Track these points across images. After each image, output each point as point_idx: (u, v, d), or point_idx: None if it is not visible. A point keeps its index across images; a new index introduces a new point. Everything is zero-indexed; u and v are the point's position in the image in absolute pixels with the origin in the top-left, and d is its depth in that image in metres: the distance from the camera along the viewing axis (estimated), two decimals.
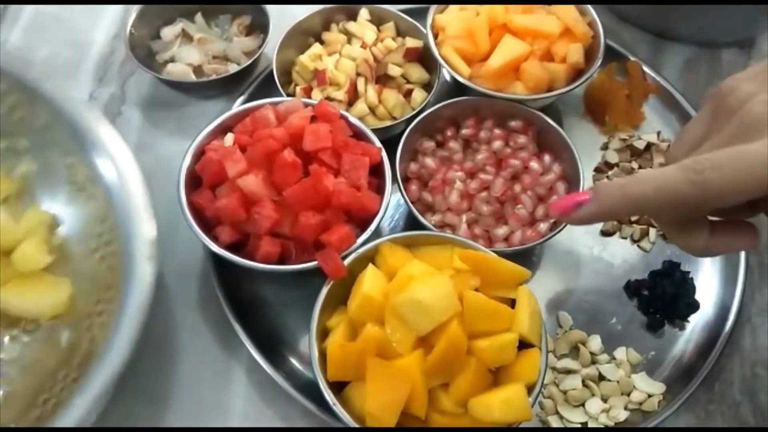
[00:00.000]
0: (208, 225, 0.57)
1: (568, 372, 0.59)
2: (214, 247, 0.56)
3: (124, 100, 0.73)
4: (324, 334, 0.53)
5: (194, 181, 0.59)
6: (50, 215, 0.59)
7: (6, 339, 0.55)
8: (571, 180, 0.64)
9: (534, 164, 0.64)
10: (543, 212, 0.63)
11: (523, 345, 0.51)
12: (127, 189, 0.54)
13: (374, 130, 0.62)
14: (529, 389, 0.50)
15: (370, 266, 0.53)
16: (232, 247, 0.56)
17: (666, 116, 0.74)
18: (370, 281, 0.51)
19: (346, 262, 0.54)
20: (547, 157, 0.66)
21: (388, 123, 0.67)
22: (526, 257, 0.65)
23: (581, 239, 0.67)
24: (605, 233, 0.67)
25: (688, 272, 0.64)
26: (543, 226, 0.62)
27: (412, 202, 0.62)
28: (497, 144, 0.65)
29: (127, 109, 0.73)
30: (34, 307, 0.55)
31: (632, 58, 0.76)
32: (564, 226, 0.60)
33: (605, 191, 0.44)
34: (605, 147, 0.72)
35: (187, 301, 0.62)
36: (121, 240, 0.52)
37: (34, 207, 0.59)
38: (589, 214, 0.45)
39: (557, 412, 0.57)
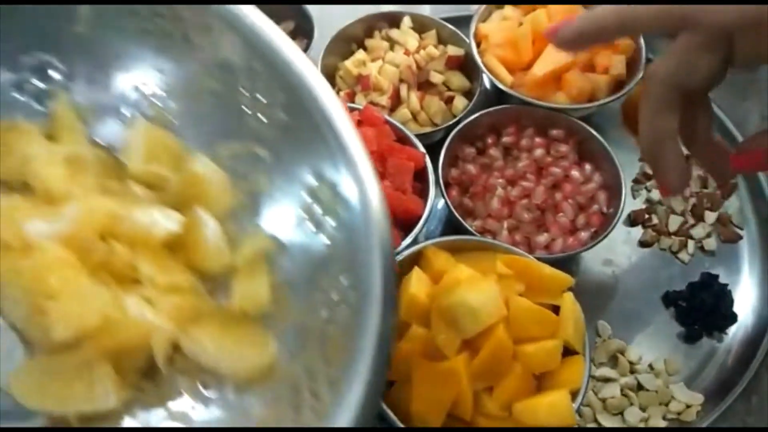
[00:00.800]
0: None
1: (607, 380, 0.59)
2: None
3: None
4: None
5: None
6: (276, 244, 0.42)
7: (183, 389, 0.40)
8: (612, 189, 0.64)
9: (575, 173, 0.65)
10: (584, 221, 0.63)
11: (567, 352, 0.52)
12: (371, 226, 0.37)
13: (416, 136, 0.63)
14: (573, 395, 0.50)
15: (416, 269, 0.54)
16: None
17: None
18: (416, 283, 0.52)
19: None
20: (588, 167, 0.66)
21: (429, 129, 0.68)
22: (566, 266, 0.65)
23: (620, 249, 0.67)
24: (644, 244, 0.68)
25: (726, 284, 0.64)
26: (584, 235, 0.62)
27: (454, 208, 0.63)
28: (538, 152, 0.66)
29: None
30: (231, 362, 0.39)
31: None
32: (605, 236, 0.61)
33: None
34: (643, 158, 0.73)
35: None
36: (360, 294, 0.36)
37: (257, 230, 0.43)
38: (575, 28, 0.42)
39: (596, 420, 0.58)
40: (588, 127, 0.66)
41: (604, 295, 0.65)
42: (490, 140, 0.68)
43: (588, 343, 0.53)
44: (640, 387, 0.59)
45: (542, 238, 0.62)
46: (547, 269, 0.54)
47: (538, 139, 0.67)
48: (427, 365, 0.49)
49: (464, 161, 0.67)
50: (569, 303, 0.53)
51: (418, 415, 0.48)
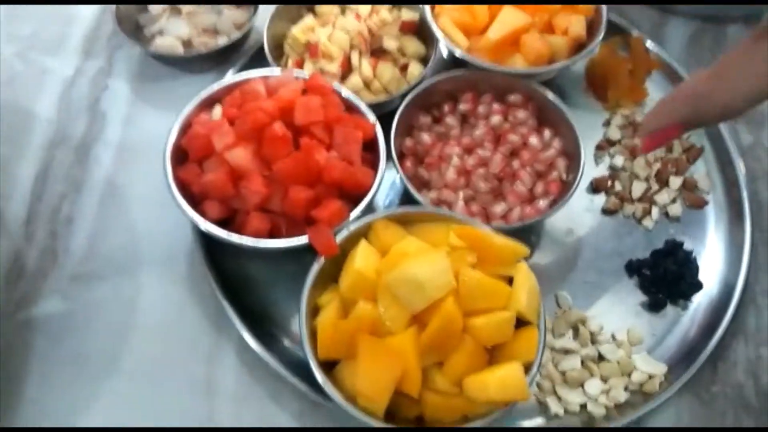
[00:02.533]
0: (196, 200, 0.55)
1: (567, 352, 0.57)
2: (202, 224, 0.54)
3: (111, 74, 0.71)
4: (315, 311, 0.51)
5: (181, 156, 0.57)
6: None
7: None
8: (572, 156, 0.62)
9: (533, 140, 0.62)
10: (542, 189, 0.61)
11: (521, 323, 0.50)
12: None
13: (369, 105, 0.60)
14: (527, 368, 0.48)
15: (363, 242, 0.51)
16: (220, 223, 0.55)
17: (669, 92, 0.72)
18: (362, 258, 0.50)
19: (338, 238, 0.53)
20: (547, 133, 0.64)
21: (383, 98, 0.65)
22: (525, 235, 0.62)
23: (582, 218, 0.65)
24: (606, 211, 0.65)
25: (691, 252, 0.62)
26: (542, 203, 0.60)
27: (408, 179, 0.60)
28: (495, 119, 0.63)
29: (114, 83, 0.70)
30: None
31: (635, 33, 0.74)
32: (563, 204, 0.58)
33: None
34: (607, 123, 0.70)
35: (175, 280, 0.60)
36: None
37: None
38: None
39: (555, 393, 0.56)
40: (547, 92, 0.63)
41: (566, 266, 0.62)
42: (446, 108, 0.65)
43: (544, 314, 0.50)
44: (601, 358, 0.57)
45: (499, 207, 0.60)
46: (501, 239, 0.52)
47: (495, 106, 0.64)
48: (373, 342, 0.47)
49: (419, 130, 0.64)
50: (522, 273, 0.50)
51: (363, 393, 0.46)
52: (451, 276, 0.47)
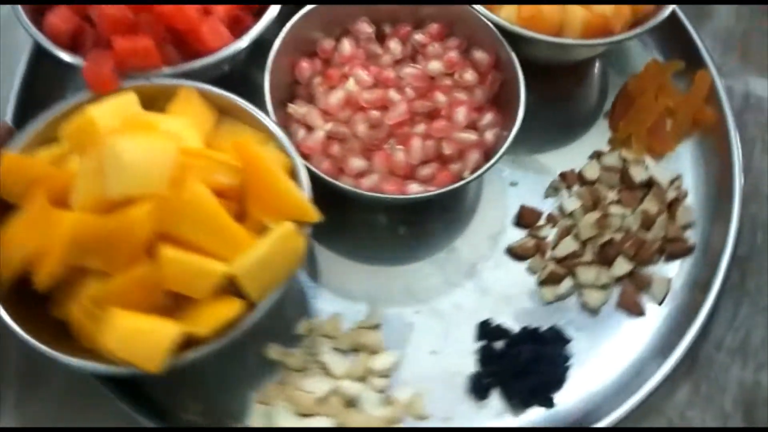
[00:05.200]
0: None
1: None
2: None
3: None
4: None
5: None
6: None
7: None
8: (490, 155, 0.45)
9: (460, 115, 0.46)
10: (429, 173, 0.45)
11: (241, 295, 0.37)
12: None
13: None
14: (194, 343, 0.35)
15: (131, 94, 0.40)
16: None
17: (703, 165, 0.51)
18: (112, 107, 0.38)
19: (133, 82, 0.41)
20: (488, 117, 0.47)
21: None
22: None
23: (478, 240, 0.48)
24: (512, 252, 0.48)
25: (568, 360, 0.44)
26: (414, 187, 0.44)
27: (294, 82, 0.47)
28: (436, 66, 0.47)
29: None
30: None
31: (710, 68, 0.53)
32: (437, 193, 0.43)
33: None
34: (596, 156, 0.51)
35: None
36: None
37: None
38: None
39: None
40: (517, 70, 0.46)
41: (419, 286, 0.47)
42: (395, 29, 0.50)
43: (275, 298, 0.37)
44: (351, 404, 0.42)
45: (357, 163, 0.45)
46: (288, 185, 0.38)
47: (451, 54, 0.48)
48: (39, 199, 0.36)
49: (350, 34, 0.50)
50: (279, 234, 0.37)
51: None
52: (166, 179, 0.34)
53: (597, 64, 0.56)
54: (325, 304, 0.46)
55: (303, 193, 0.39)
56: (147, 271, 0.35)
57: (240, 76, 0.48)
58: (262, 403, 0.42)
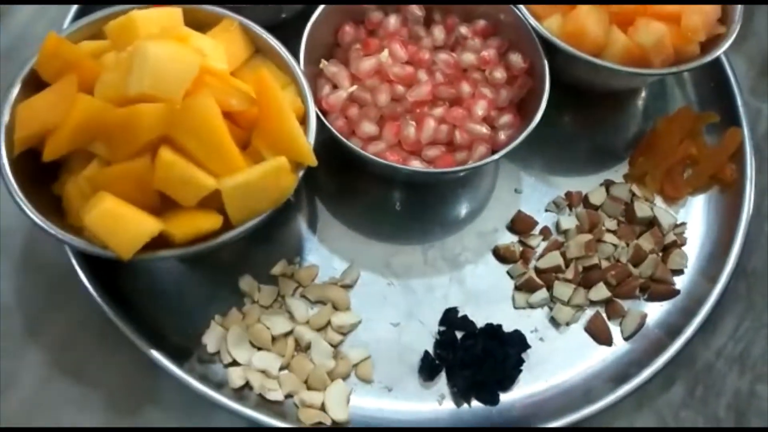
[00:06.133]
0: None
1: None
2: None
3: None
4: None
5: None
6: None
7: None
8: (498, 149, 0.46)
9: (479, 109, 0.47)
10: (434, 154, 0.46)
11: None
12: None
13: None
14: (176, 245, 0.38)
15: (177, 11, 0.42)
16: None
17: (709, 220, 0.51)
18: (155, 16, 0.41)
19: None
20: (506, 117, 0.48)
21: None
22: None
23: (468, 234, 0.50)
24: (498, 254, 0.49)
25: (521, 362, 0.44)
26: (415, 164, 0.46)
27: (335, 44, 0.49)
28: (470, 58, 0.49)
29: None
30: None
31: (743, 126, 0.52)
32: (433, 172, 0.44)
33: None
34: (606, 184, 0.51)
35: None
36: None
37: None
38: None
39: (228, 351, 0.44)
40: (546, 79, 0.47)
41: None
42: (439, 18, 0.51)
43: (251, 227, 0.39)
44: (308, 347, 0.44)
45: (368, 128, 0.46)
46: (295, 125, 0.40)
47: (489, 52, 0.49)
48: (68, 85, 0.39)
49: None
50: (269, 168, 0.39)
51: (20, 116, 0.39)
52: (181, 89, 0.37)
53: (638, 102, 0.56)
54: (309, 255, 0.48)
55: (306, 138, 0.41)
56: (144, 166, 0.38)
57: (294, 28, 0.49)
58: (222, 326, 0.44)
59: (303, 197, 0.50)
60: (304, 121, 0.43)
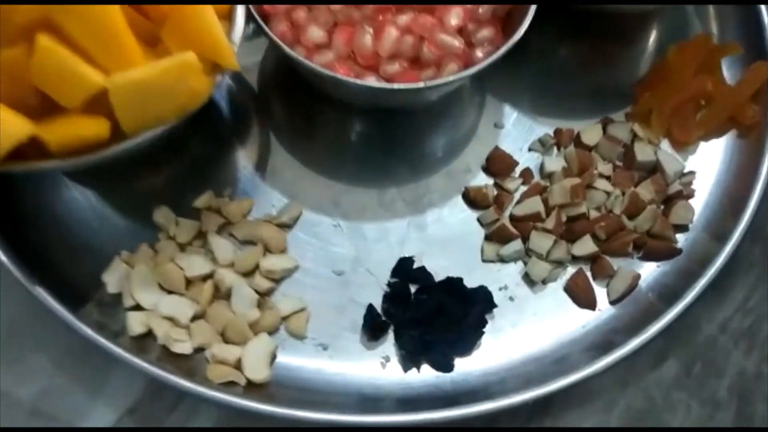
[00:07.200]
0: None
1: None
2: None
3: None
4: None
5: None
6: None
7: None
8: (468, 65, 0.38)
9: (453, 18, 0.38)
10: (394, 70, 0.38)
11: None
12: None
13: None
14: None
15: None
16: None
17: (724, 170, 0.43)
18: None
19: None
20: (486, 32, 0.40)
21: None
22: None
23: (433, 172, 0.42)
24: (468, 198, 0.41)
25: (483, 324, 0.37)
26: (370, 80, 0.38)
27: None
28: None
29: None
30: None
31: None
32: (388, 88, 0.36)
33: None
34: (603, 121, 0.43)
35: None
36: None
37: None
38: None
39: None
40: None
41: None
42: None
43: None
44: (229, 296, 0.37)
45: (315, 34, 0.38)
46: (211, 21, 0.32)
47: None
48: None
49: None
50: (179, 62, 0.31)
51: None
52: None
53: (650, 35, 0.48)
54: (243, 188, 0.40)
55: (225, 35, 0.33)
56: (17, 55, 0.30)
57: None
58: (127, 263, 0.37)
59: (253, 125, 0.43)
60: (230, 20, 0.35)
